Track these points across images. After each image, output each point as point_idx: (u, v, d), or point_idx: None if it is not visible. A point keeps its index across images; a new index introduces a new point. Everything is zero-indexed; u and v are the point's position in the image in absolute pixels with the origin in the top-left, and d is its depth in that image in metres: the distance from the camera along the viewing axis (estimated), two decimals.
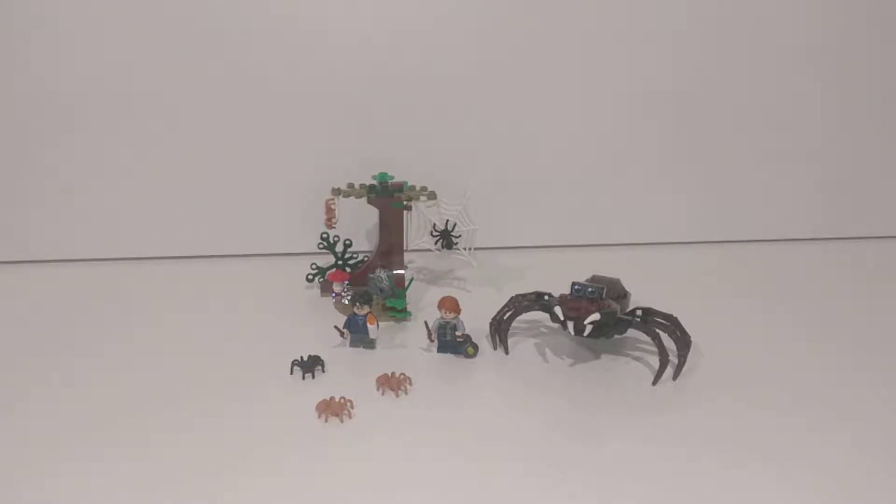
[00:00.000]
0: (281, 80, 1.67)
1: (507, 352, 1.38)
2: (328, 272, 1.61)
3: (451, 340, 1.36)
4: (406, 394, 1.25)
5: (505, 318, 1.39)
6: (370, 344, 1.39)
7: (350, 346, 1.39)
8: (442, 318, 1.36)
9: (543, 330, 1.46)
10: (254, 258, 1.79)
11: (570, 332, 1.29)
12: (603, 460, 1.10)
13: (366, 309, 1.36)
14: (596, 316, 1.26)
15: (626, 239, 1.90)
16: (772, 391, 1.27)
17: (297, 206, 1.74)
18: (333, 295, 1.57)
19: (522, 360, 1.36)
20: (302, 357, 1.31)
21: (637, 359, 1.37)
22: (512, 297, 1.41)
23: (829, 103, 1.84)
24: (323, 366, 1.32)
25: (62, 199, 1.72)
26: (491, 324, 1.41)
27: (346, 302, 1.54)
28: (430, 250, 1.62)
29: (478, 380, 1.31)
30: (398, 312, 1.48)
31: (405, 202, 1.53)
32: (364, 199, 1.54)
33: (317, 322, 1.47)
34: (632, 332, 1.36)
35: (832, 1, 1.76)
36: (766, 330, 1.48)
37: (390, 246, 1.58)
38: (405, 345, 1.41)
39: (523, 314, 1.40)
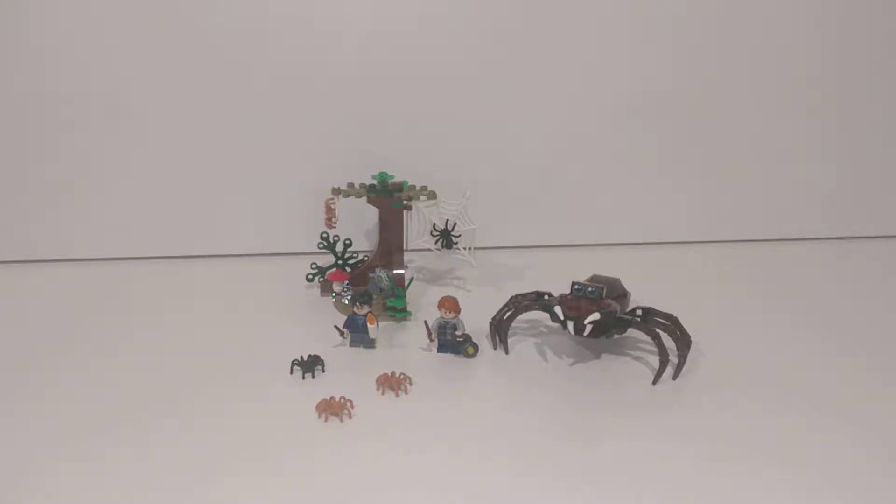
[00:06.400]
0: (281, 80, 1.67)
1: (507, 352, 1.38)
2: (328, 272, 1.60)
3: (451, 340, 1.36)
4: (406, 393, 1.25)
5: (505, 317, 1.39)
6: (370, 344, 1.39)
7: (350, 346, 1.39)
8: (442, 317, 1.36)
9: (543, 330, 1.46)
10: (254, 258, 1.79)
11: (570, 332, 1.29)
12: (603, 460, 1.10)
13: (366, 309, 1.36)
14: (596, 316, 1.26)
15: (626, 239, 1.90)
16: (772, 391, 1.27)
17: (297, 206, 1.74)
18: (333, 295, 1.57)
19: (522, 360, 1.36)
20: (302, 357, 1.31)
21: (637, 359, 1.37)
22: (512, 297, 1.41)
23: (829, 103, 1.84)
24: (323, 366, 1.32)
25: (62, 199, 1.72)
26: (491, 323, 1.41)
27: (346, 302, 1.54)
28: (430, 250, 1.62)
29: (478, 380, 1.31)
30: (398, 312, 1.48)
31: (405, 202, 1.53)
32: (364, 199, 1.54)
33: (317, 322, 1.47)
34: (632, 332, 1.37)
35: (832, 1, 1.76)
36: (766, 330, 1.48)
37: (390, 246, 1.58)
38: (405, 345, 1.41)
39: (523, 314, 1.40)
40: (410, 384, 1.27)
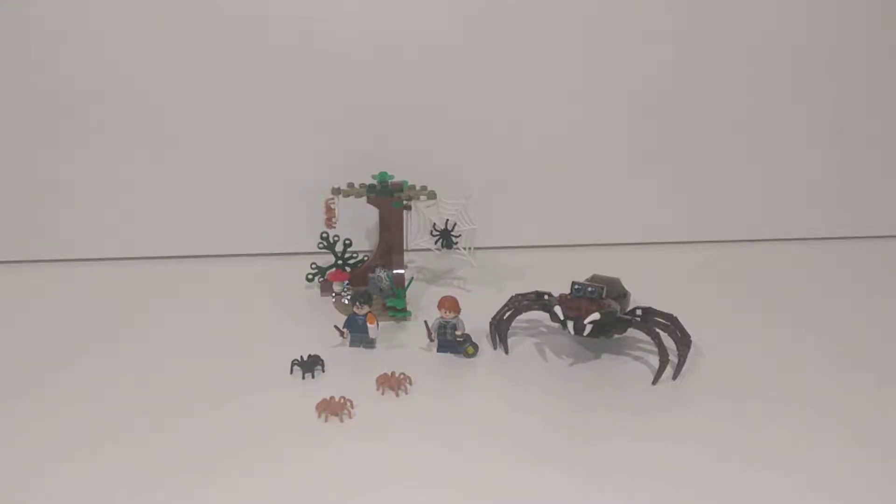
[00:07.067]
0: (281, 79, 1.67)
1: (506, 351, 1.38)
2: (328, 272, 1.61)
3: (451, 340, 1.36)
4: (406, 393, 1.25)
5: (505, 317, 1.39)
6: (370, 344, 1.39)
7: (350, 345, 1.39)
8: (442, 317, 1.36)
9: (543, 330, 1.46)
10: (254, 258, 1.79)
11: (570, 332, 1.29)
12: (603, 460, 1.10)
13: (366, 309, 1.36)
14: (596, 315, 1.26)
15: (626, 239, 1.90)
16: (772, 391, 1.27)
17: (297, 206, 1.74)
18: (333, 295, 1.57)
19: (522, 360, 1.36)
20: (302, 357, 1.31)
21: (637, 359, 1.37)
22: (512, 297, 1.41)
23: (829, 103, 1.84)
24: (323, 366, 1.32)
25: (62, 199, 1.72)
26: (491, 323, 1.41)
27: (346, 302, 1.54)
28: (430, 250, 1.62)
29: (478, 380, 1.31)
30: (398, 312, 1.48)
31: (405, 202, 1.53)
32: (364, 199, 1.54)
33: (317, 322, 1.47)
34: (632, 332, 1.36)
35: (832, 1, 1.76)
36: (766, 330, 1.48)
37: (390, 246, 1.58)
38: (405, 345, 1.41)
39: (523, 314, 1.40)
40: (410, 384, 1.27)
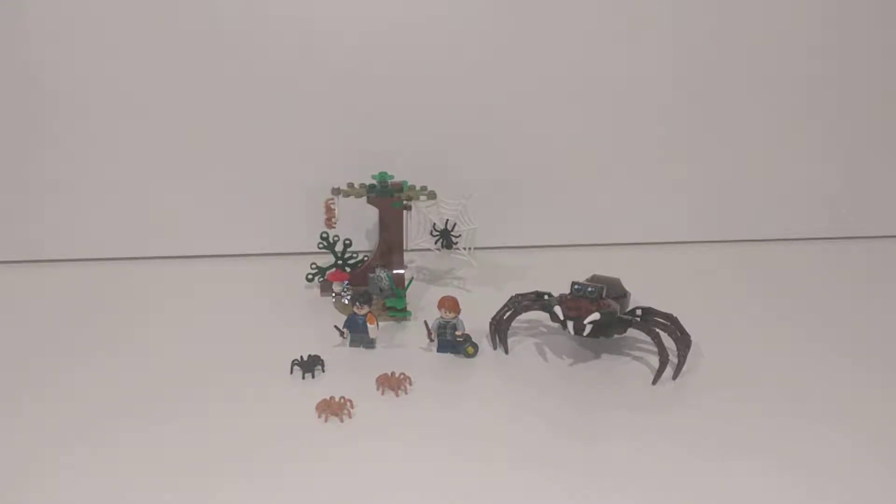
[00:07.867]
0: (281, 79, 1.67)
1: (506, 352, 1.38)
2: (328, 272, 1.61)
3: (451, 340, 1.36)
4: (406, 394, 1.25)
5: (505, 317, 1.39)
6: (370, 344, 1.39)
7: (350, 346, 1.39)
8: (442, 317, 1.36)
9: (543, 330, 1.46)
10: (254, 258, 1.79)
11: (570, 332, 1.29)
12: (603, 460, 1.10)
13: (366, 309, 1.36)
14: (596, 315, 1.26)
15: (626, 239, 1.90)
16: (771, 391, 1.27)
17: (297, 206, 1.74)
18: (333, 295, 1.57)
19: (522, 360, 1.36)
20: (302, 357, 1.31)
21: (637, 359, 1.37)
22: (512, 297, 1.41)
23: (829, 103, 1.84)
24: (323, 366, 1.32)
25: (63, 199, 1.72)
26: (491, 323, 1.41)
27: (346, 302, 1.54)
28: (430, 250, 1.62)
29: (478, 380, 1.31)
30: (398, 312, 1.48)
31: (405, 202, 1.53)
32: (364, 199, 1.54)
33: (317, 322, 1.47)
34: (632, 332, 1.36)
35: (832, 1, 1.76)
36: (766, 330, 1.48)
37: (390, 246, 1.58)
38: (405, 345, 1.41)
39: (523, 314, 1.40)
40: (410, 384, 1.27)
